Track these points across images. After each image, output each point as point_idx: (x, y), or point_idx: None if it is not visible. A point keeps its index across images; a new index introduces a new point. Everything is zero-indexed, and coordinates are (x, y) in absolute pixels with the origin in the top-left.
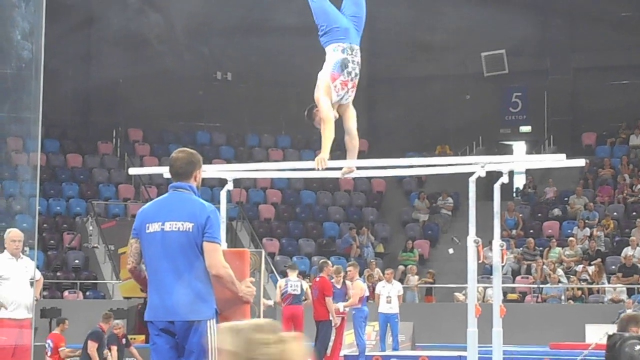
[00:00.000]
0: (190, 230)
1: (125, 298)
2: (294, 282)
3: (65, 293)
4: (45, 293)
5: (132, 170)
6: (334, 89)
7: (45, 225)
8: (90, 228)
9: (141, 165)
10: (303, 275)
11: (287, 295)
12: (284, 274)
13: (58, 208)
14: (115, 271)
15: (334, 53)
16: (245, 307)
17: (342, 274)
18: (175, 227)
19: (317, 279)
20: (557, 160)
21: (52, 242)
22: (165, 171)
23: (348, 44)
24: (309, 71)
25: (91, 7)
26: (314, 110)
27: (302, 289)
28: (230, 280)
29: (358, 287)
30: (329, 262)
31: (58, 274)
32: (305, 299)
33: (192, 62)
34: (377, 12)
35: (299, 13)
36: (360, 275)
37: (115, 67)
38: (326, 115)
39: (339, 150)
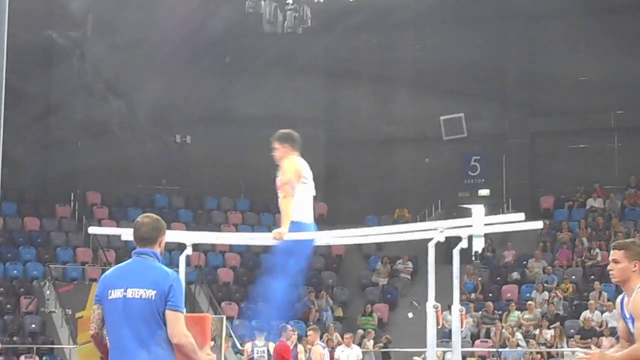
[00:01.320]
0: (153, 298)
1: None
2: (260, 348)
3: (22, 358)
4: (1, 358)
5: (92, 230)
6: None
7: (1, 289)
8: (48, 292)
9: None
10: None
11: None
12: (242, 339)
13: (15, 272)
14: (72, 336)
15: None
16: None
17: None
18: (138, 295)
19: (277, 343)
20: (516, 222)
21: (8, 306)
22: (123, 232)
23: None
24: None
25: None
26: (286, 143)
27: (269, 354)
28: (192, 349)
29: (317, 352)
30: (288, 326)
31: (14, 338)
32: None
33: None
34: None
35: (260, 104)
36: (320, 338)
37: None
38: (291, 190)
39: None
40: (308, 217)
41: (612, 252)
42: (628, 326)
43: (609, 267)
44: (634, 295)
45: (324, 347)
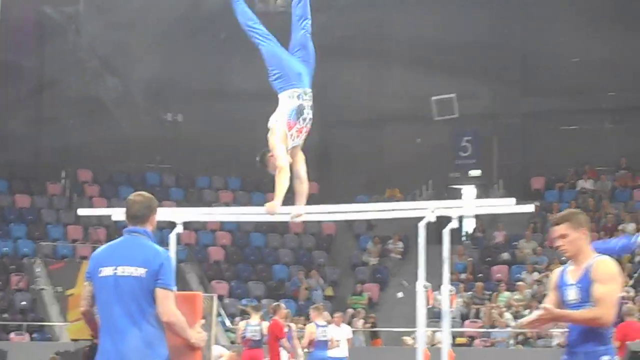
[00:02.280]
0: (144, 275)
1: (72, 340)
2: (253, 327)
3: (12, 335)
4: None
5: (81, 211)
6: (289, 137)
7: None
8: (38, 269)
9: (90, 206)
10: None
11: (246, 340)
12: (233, 317)
13: (5, 249)
14: (62, 313)
15: (289, 100)
16: (197, 353)
17: (287, 318)
18: (128, 272)
19: (270, 322)
20: (506, 205)
21: None
22: (114, 213)
23: (302, 89)
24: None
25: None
26: (267, 156)
27: (261, 334)
28: (182, 327)
29: (309, 331)
30: (282, 304)
31: (4, 315)
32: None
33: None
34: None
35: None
36: (308, 319)
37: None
38: (283, 163)
39: (289, 193)
40: None
41: (554, 228)
42: (564, 294)
43: (557, 244)
44: (595, 262)
45: (319, 326)
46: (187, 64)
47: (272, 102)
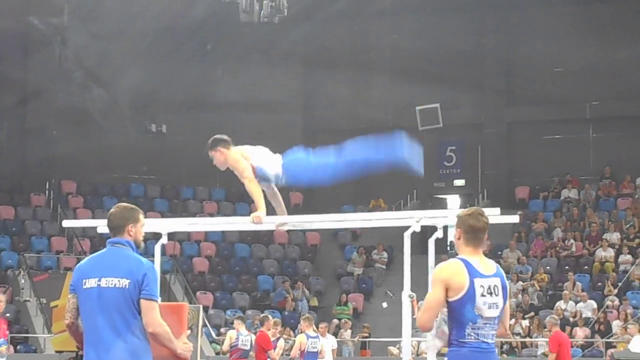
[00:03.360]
0: (127, 287)
1: (57, 352)
2: (244, 337)
3: None
4: None
5: (66, 223)
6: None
7: None
8: (22, 281)
9: (74, 218)
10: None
11: (236, 349)
12: (218, 328)
13: None
14: (47, 325)
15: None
16: None
17: (279, 328)
18: (112, 284)
19: (257, 333)
20: (491, 215)
21: None
22: (98, 224)
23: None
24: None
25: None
26: (218, 148)
27: (251, 344)
28: (168, 338)
29: (299, 341)
30: (270, 316)
31: None
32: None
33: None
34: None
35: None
36: (293, 330)
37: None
38: (249, 174)
39: (269, 206)
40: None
41: None
42: None
43: None
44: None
45: (310, 337)
46: (172, 75)
47: (255, 113)
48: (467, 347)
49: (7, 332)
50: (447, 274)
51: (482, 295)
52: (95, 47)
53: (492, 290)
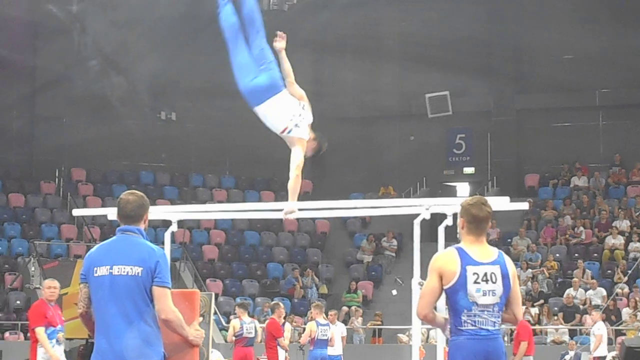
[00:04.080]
0: (140, 274)
1: (67, 339)
2: (249, 325)
3: (7, 334)
4: None
5: (76, 212)
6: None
7: None
8: (32, 269)
9: (84, 205)
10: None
11: (241, 338)
12: (227, 315)
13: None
14: None
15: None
16: (194, 350)
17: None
18: (124, 272)
19: (268, 320)
20: (501, 203)
21: None
22: (108, 212)
23: None
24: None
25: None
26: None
27: (255, 331)
28: (180, 325)
29: (309, 328)
30: (281, 304)
31: None
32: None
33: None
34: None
35: None
36: (303, 317)
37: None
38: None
39: (283, 191)
40: None
41: None
42: None
43: None
44: None
45: (320, 325)
46: (187, 63)
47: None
48: (465, 335)
49: (63, 319)
50: (440, 263)
51: (476, 282)
52: (112, 34)
53: (488, 278)
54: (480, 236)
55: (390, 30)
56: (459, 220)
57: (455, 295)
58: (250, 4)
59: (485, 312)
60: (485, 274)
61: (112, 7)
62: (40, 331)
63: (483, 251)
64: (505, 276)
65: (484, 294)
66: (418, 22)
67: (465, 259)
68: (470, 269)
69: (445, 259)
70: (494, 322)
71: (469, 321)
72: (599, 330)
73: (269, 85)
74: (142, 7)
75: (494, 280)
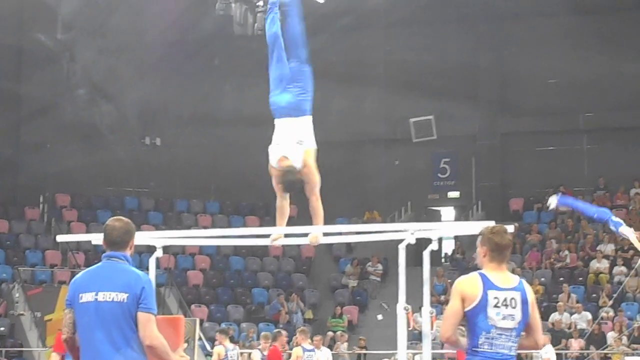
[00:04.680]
0: (125, 300)
1: None
2: (232, 351)
3: None
4: None
5: (60, 237)
6: None
7: None
8: (17, 295)
9: (68, 231)
10: (231, 340)
11: None
12: (212, 341)
13: None
14: (41, 338)
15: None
16: None
17: (270, 340)
18: (110, 298)
19: (270, 348)
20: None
21: None
22: (93, 238)
23: None
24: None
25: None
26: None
27: (237, 357)
28: (164, 351)
29: (295, 354)
30: (282, 332)
31: None
32: None
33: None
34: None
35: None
36: (288, 343)
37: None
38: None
39: (268, 216)
40: None
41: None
42: None
43: None
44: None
45: (306, 350)
46: (175, 90)
47: (259, 128)
48: (480, 356)
49: (47, 345)
50: (462, 286)
51: (496, 306)
52: (101, 62)
53: (508, 303)
54: (502, 263)
55: (376, 57)
56: (481, 249)
57: (475, 317)
58: (293, 25)
59: (504, 336)
60: (506, 299)
61: (101, 34)
62: (54, 357)
63: (504, 278)
64: (524, 302)
65: (504, 318)
66: (401, 48)
67: (487, 284)
68: (492, 294)
69: (468, 282)
70: (511, 347)
71: (486, 343)
72: (546, 353)
73: (290, 106)
74: (131, 34)
75: (513, 305)
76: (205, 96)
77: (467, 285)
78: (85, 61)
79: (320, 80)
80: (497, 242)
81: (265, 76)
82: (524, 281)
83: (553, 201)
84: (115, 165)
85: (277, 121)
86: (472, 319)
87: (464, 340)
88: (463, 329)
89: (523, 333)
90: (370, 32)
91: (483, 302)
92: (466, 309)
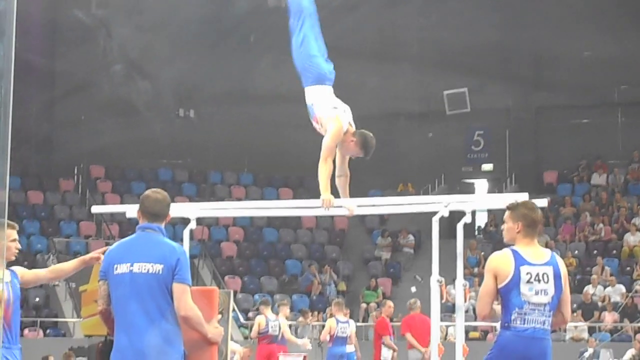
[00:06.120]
0: (160, 272)
1: (86, 336)
2: (273, 322)
3: (26, 331)
4: None
5: (95, 209)
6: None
7: None
8: (51, 265)
9: (103, 202)
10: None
11: (266, 335)
12: (246, 312)
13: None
14: (76, 309)
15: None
16: (213, 348)
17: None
18: (145, 269)
19: (377, 318)
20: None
21: None
22: (127, 209)
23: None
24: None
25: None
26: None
27: (279, 328)
28: (199, 322)
29: (328, 325)
30: (389, 302)
31: None
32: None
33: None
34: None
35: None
36: (321, 314)
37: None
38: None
39: (301, 188)
40: None
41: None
42: None
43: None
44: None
45: (340, 322)
46: (210, 67)
47: (294, 104)
48: (512, 331)
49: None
50: (495, 264)
51: (529, 282)
52: (139, 39)
53: (541, 278)
54: (534, 238)
55: (408, 28)
56: (514, 224)
57: (509, 294)
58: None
59: (537, 311)
60: (538, 274)
61: (137, 11)
62: None
63: (537, 252)
64: (557, 277)
65: (537, 293)
66: (435, 21)
67: (519, 260)
68: (524, 269)
69: (500, 260)
70: (544, 322)
71: (518, 318)
72: None
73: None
74: (166, 11)
75: (546, 280)
76: (240, 73)
77: (500, 262)
78: (121, 38)
79: (355, 57)
80: (533, 218)
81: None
82: (556, 255)
83: None
84: (150, 138)
85: (327, 88)
86: (505, 296)
87: (499, 310)
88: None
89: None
90: (404, 10)
91: (515, 279)
92: (499, 286)
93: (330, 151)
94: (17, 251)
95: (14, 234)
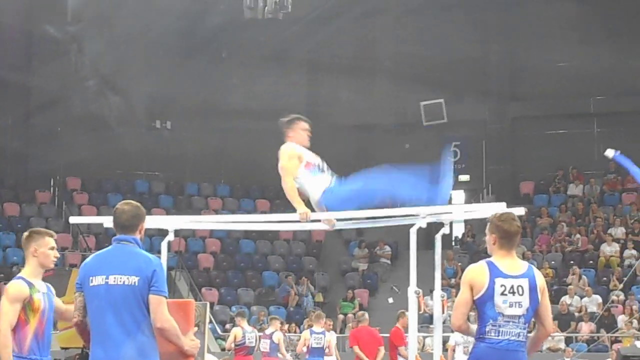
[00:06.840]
0: (136, 284)
1: (62, 349)
2: (250, 334)
3: None
4: None
5: (73, 219)
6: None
7: None
8: None
9: (79, 214)
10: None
11: (243, 347)
12: (223, 324)
13: None
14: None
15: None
16: None
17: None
18: (120, 281)
19: (393, 328)
20: (497, 210)
21: None
22: (104, 221)
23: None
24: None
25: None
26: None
27: (256, 340)
28: (175, 334)
29: (303, 337)
30: (404, 312)
31: None
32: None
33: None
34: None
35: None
36: (298, 325)
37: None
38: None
39: (278, 200)
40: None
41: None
42: None
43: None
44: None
45: (314, 333)
46: (186, 80)
47: (267, 117)
48: (486, 343)
49: (58, 328)
50: (470, 276)
51: (503, 294)
52: (111, 54)
53: (515, 290)
54: (511, 250)
55: (384, 40)
56: (490, 237)
57: (483, 305)
58: None
59: (511, 323)
60: (513, 286)
61: (110, 26)
62: None
63: (513, 265)
64: (533, 289)
65: (511, 306)
66: (411, 32)
67: (495, 272)
68: (499, 281)
69: (476, 271)
70: (519, 334)
71: (492, 330)
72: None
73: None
74: (139, 25)
75: (520, 292)
76: (213, 87)
77: (475, 274)
78: (94, 53)
79: (332, 70)
80: (506, 229)
81: (272, 67)
82: (533, 267)
83: (610, 153)
84: (126, 151)
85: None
86: (480, 307)
87: (473, 328)
88: (473, 314)
89: (533, 320)
90: (380, 23)
91: (490, 291)
92: (475, 298)
93: (285, 171)
94: (55, 259)
95: (52, 242)
